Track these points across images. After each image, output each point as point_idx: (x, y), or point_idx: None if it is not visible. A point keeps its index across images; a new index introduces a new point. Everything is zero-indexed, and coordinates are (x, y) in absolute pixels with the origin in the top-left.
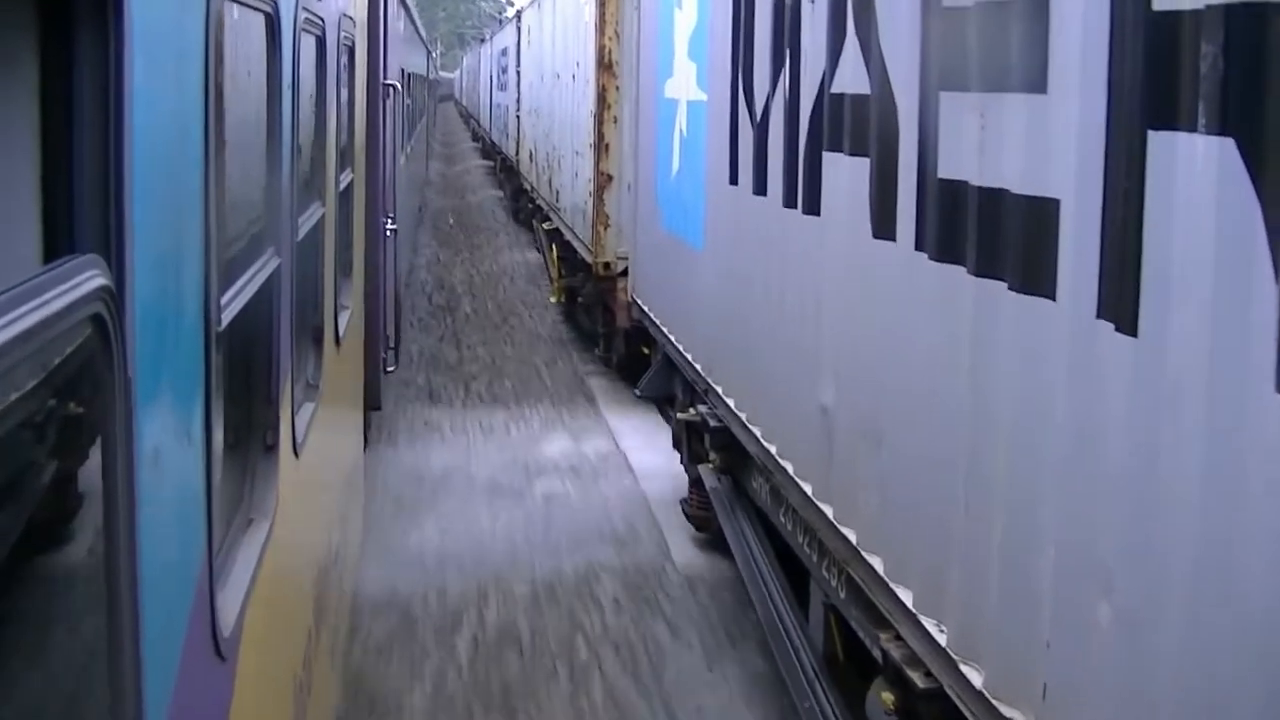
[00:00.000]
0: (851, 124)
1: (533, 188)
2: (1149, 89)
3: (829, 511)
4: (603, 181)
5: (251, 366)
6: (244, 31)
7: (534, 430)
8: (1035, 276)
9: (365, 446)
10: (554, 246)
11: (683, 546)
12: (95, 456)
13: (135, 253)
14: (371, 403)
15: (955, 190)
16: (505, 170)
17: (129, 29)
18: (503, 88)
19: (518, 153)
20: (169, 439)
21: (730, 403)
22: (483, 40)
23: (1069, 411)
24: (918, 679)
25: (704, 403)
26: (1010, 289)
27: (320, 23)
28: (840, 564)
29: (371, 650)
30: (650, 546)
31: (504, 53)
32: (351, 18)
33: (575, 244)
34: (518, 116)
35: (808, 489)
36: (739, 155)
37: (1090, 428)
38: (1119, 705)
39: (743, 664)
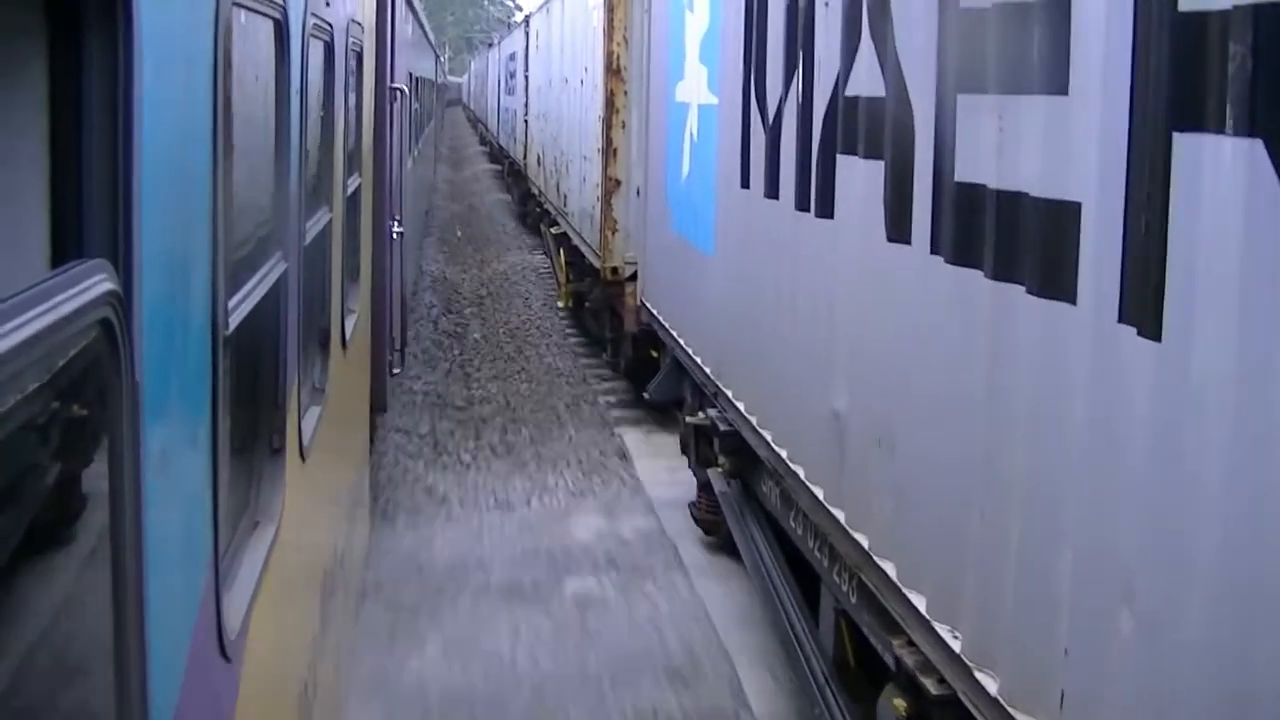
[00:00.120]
0: (866, 127)
1: (540, 192)
2: (1174, 91)
3: (841, 516)
4: (611, 186)
5: (258, 370)
6: (252, 37)
7: (559, 503)
8: (1055, 280)
9: (370, 450)
10: (561, 251)
11: (760, 685)
12: (102, 460)
13: (143, 257)
14: (378, 405)
15: (972, 193)
16: (513, 174)
17: (137, 34)
18: (510, 92)
19: (525, 157)
20: (176, 442)
21: (740, 406)
22: (491, 45)
23: (1089, 416)
24: (931, 686)
25: (713, 406)
26: (1029, 293)
27: (329, 28)
28: (852, 569)
29: None
30: (717, 684)
31: (512, 58)
32: (359, 23)
33: (583, 249)
34: (525, 121)
35: (819, 493)
36: (750, 158)
37: (1111, 432)
38: (1140, 714)
39: None
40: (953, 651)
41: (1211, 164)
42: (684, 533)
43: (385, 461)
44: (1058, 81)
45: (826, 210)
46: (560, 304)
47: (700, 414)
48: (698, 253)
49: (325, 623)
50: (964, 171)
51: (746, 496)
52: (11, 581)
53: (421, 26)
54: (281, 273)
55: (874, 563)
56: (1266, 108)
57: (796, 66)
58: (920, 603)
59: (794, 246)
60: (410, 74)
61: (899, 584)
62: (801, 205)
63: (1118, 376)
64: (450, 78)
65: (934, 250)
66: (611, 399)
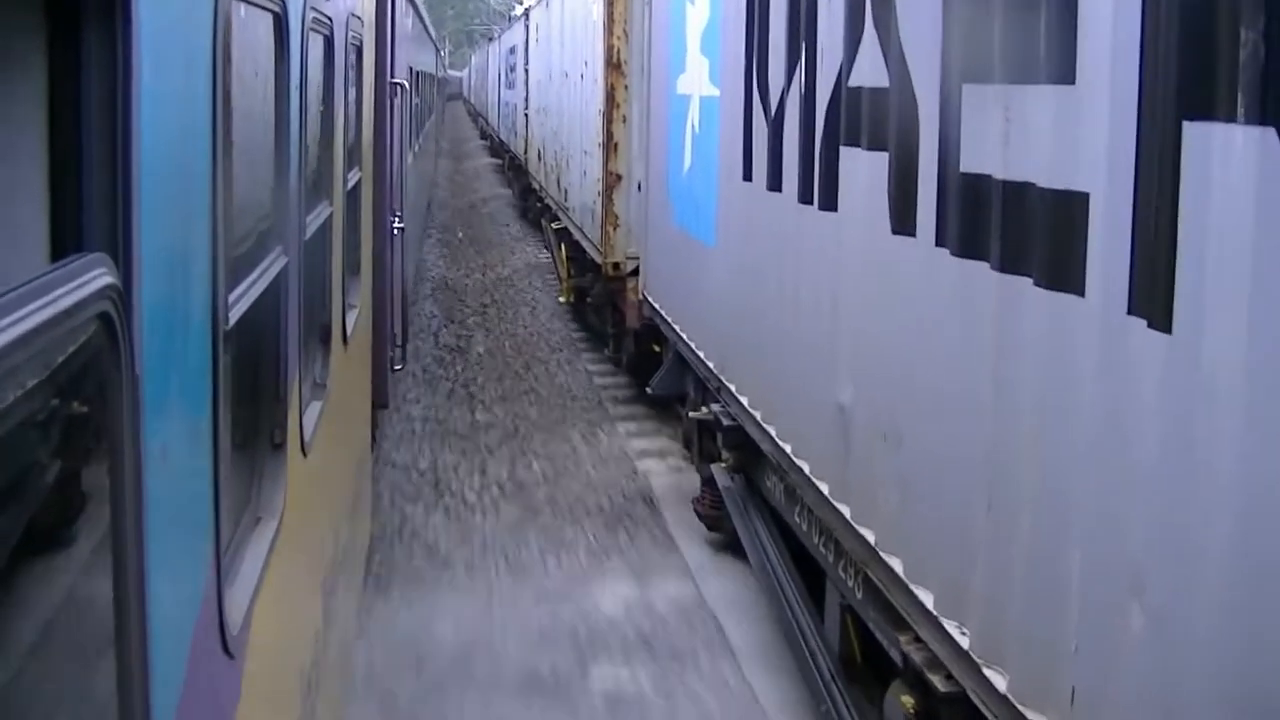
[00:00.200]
0: (870, 118)
1: (541, 186)
2: (1184, 78)
3: (846, 511)
4: (611, 181)
5: (259, 365)
6: (252, 31)
7: (580, 564)
8: (1063, 272)
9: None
10: (563, 246)
11: None
12: (103, 455)
13: (143, 251)
14: (379, 401)
15: (978, 184)
16: (514, 169)
17: (137, 28)
18: (511, 86)
19: (526, 152)
20: (176, 437)
21: (744, 401)
22: (491, 39)
23: (1098, 409)
24: (939, 682)
25: (716, 401)
26: (1036, 285)
27: (328, 22)
28: (858, 565)
29: None
30: None
31: (512, 51)
32: (359, 17)
33: (584, 244)
34: (526, 115)
35: (824, 488)
36: (753, 151)
37: (1121, 425)
38: (1151, 711)
39: None
40: (961, 648)
41: (1222, 153)
42: (729, 603)
43: (381, 505)
44: (1065, 71)
45: (830, 203)
46: (561, 299)
47: (703, 409)
48: (700, 246)
49: (328, 618)
50: (970, 162)
51: (750, 492)
52: (12, 577)
53: (422, 20)
54: (282, 267)
55: (880, 558)
56: (1279, 95)
57: (799, 57)
58: (927, 599)
59: (797, 239)
60: (411, 68)
61: (906, 579)
62: (804, 198)
63: (1127, 369)
64: (451, 72)
65: (939, 242)
66: (632, 426)
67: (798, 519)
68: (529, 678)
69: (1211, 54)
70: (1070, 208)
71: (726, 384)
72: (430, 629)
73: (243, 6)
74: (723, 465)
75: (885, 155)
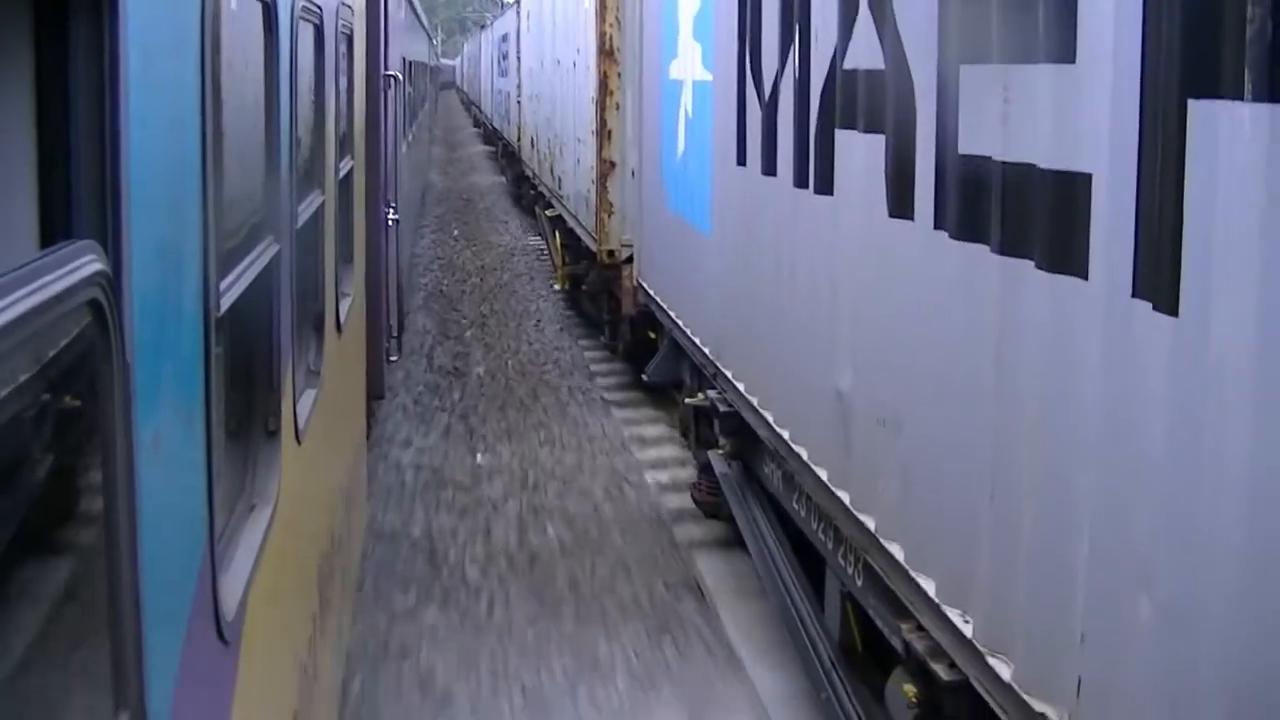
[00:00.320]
0: (866, 101)
1: (534, 174)
2: (1188, 56)
3: (846, 498)
4: (606, 169)
5: (252, 353)
6: (241, 19)
7: (617, 698)
8: (1065, 254)
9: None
10: (557, 233)
11: None
12: (95, 443)
13: (133, 238)
14: (374, 392)
15: (977, 166)
16: (507, 156)
17: (125, 16)
18: (504, 74)
19: (519, 139)
20: (169, 425)
21: (740, 387)
22: (483, 27)
23: (1103, 394)
24: (942, 671)
25: (713, 387)
26: (1038, 267)
27: (318, 10)
28: (858, 552)
29: None
30: None
31: (504, 39)
32: (350, 5)
33: (579, 231)
34: (519, 103)
35: (823, 475)
36: (747, 135)
37: (1127, 411)
38: (1159, 701)
39: None
40: (964, 636)
41: (1229, 132)
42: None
43: (364, 599)
44: (1065, 49)
45: (826, 186)
46: (556, 286)
47: (700, 395)
48: (694, 231)
49: (324, 605)
50: (968, 144)
51: (748, 478)
52: (5, 567)
53: (414, 8)
54: (274, 255)
55: (881, 545)
56: None
57: (792, 40)
58: (929, 586)
59: (793, 224)
60: (403, 58)
61: (907, 567)
62: (800, 182)
63: (1132, 353)
64: (444, 60)
65: (938, 225)
66: (676, 503)
67: (796, 505)
68: None
69: (1217, 31)
70: (1072, 189)
71: (723, 370)
72: None
73: None
74: (720, 452)
75: (882, 138)
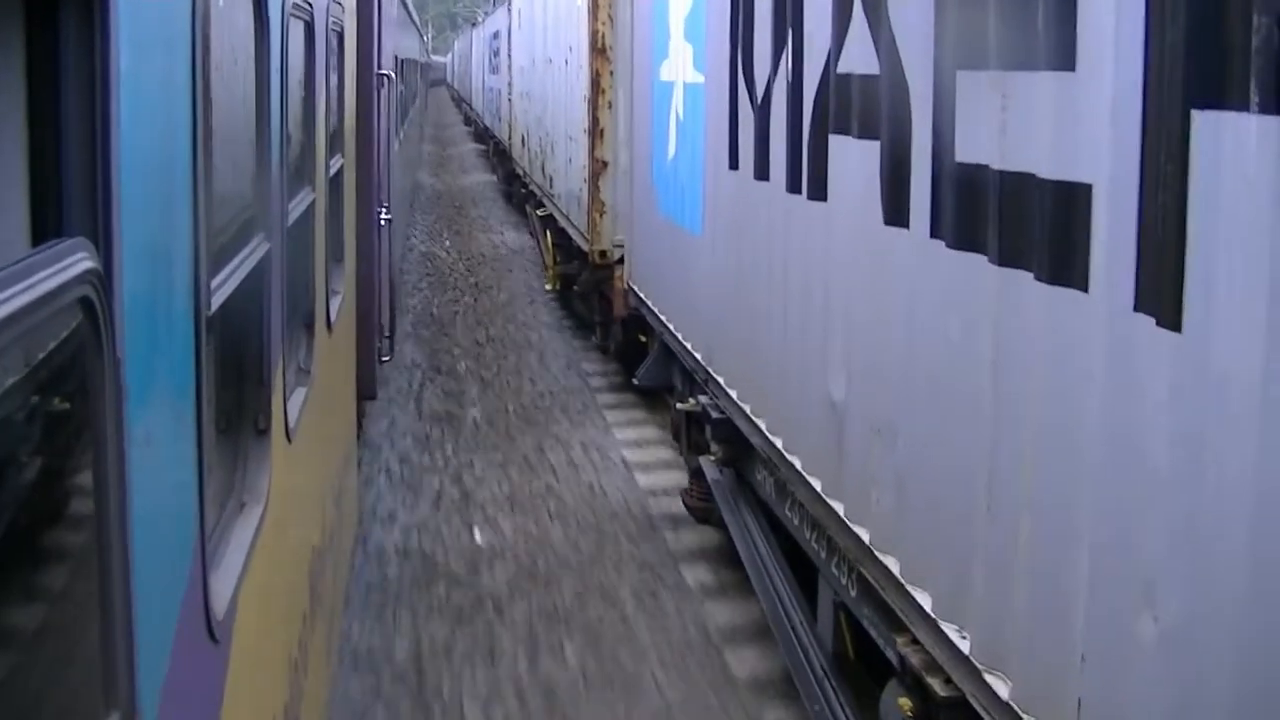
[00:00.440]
0: (860, 106)
1: (525, 172)
2: (1192, 65)
3: (840, 509)
4: (598, 168)
5: (243, 351)
6: (231, 16)
7: None
8: (1065, 266)
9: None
10: (548, 233)
11: None
12: (85, 440)
13: (123, 236)
14: (366, 392)
15: (974, 175)
16: (498, 154)
17: (116, 12)
18: (495, 72)
19: (510, 137)
20: (159, 422)
21: (733, 394)
22: (474, 24)
23: (1104, 409)
24: (938, 687)
25: (704, 393)
26: (1037, 279)
27: (308, 7)
28: (852, 562)
29: None
30: None
31: (495, 36)
32: (340, 3)
33: (570, 231)
34: (510, 101)
35: (817, 485)
36: (739, 139)
37: (1129, 427)
38: None
39: None
40: (960, 652)
41: (1234, 144)
42: None
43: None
44: (1064, 57)
45: (819, 192)
46: (548, 287)
47: (691, 400)
48: (686, 235)
49: (315, 602)
50: (965, 152)
51: (740, 485)
52: None
53: (405, 4)
54: (264, 253)
55: (875, 557)
56: None
57: (785, 43)
58: (925, 600)
59: (785, 230)
60: (395, 56)
61: (902, 580)
62: (793, 187)
63: (1134, 368)
64: (434, 57)
65: (934, 234)
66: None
67: (789, 513)
68: None
69: (1222, 40)
70: (1072, 199)
71: (715, 376)
72: None
73: None
74: (712, 458)
75: (876, 144)
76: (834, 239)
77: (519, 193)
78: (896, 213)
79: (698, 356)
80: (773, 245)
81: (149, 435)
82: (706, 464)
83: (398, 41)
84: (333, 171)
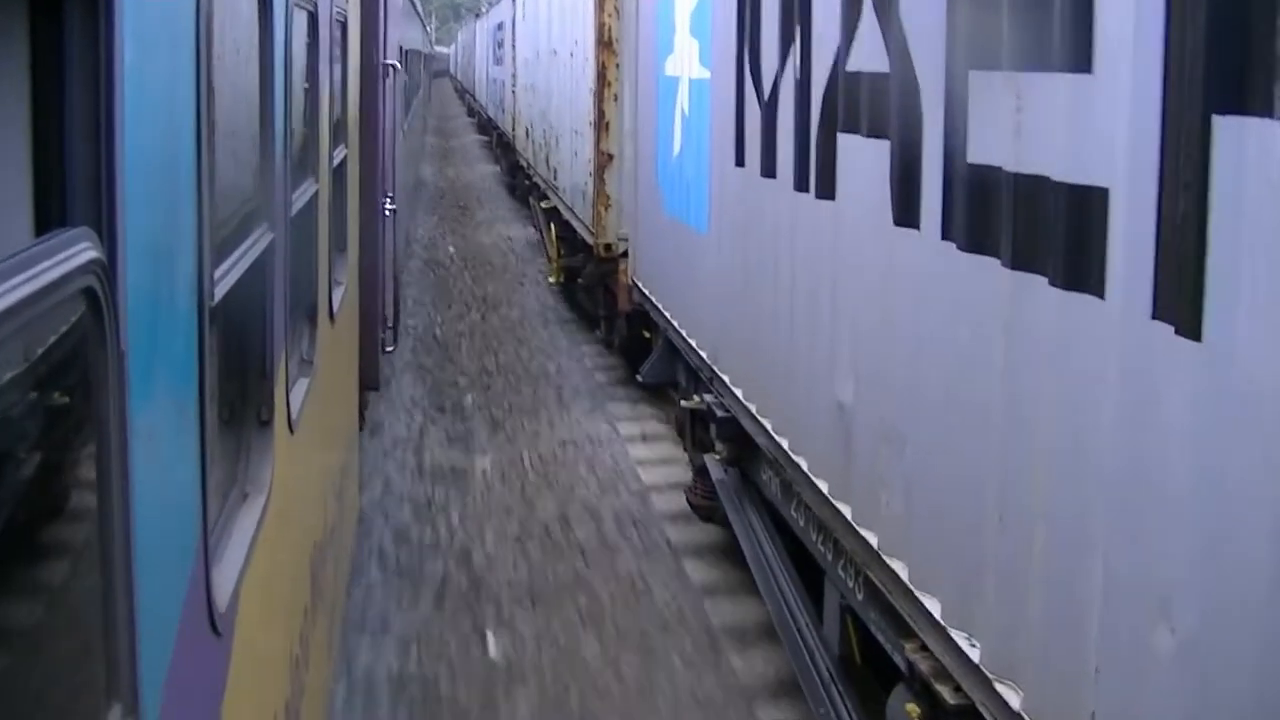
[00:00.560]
0: (869, 104)
1: (529, 164)
2: (1213, 69)
3: (847, 511)
4: (603, 161)
5: (246, 341)
6: (234, 5)
7: None
8: (1080, 272)
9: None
10: (552, 226)
11: None
12: (88, 431)
13: (127, 227)
14: (369, 383)
15: (987, 176)
16: (501, 146)
17: (119, 2)
18: (499, 63)
19: (513, 129)
20: (162, 413)
21: (738, 393)
22: (478, 14)
23: (1121, 418)
24: (947, 694)
25: (709, 391)
26: (1051, 284)
27: None
28: (859, 566)
29: None
30: None
31: (500, 27)
32: None
33: (575, 224)
34: (514, 93)
35: (823, 487)
36: (745, 136)
37: (1146, 437)
38: None
39: None
40: (970, 660)
41: (1258, 150)
42: None
43: None
44: (1081, 58)
45: (827, 191)
46: (551, 280)
47: (695, 398)
48: (691, 232)
49: (317, 594)
50: (978, 153)
51: (745, 484)
52: None
53: None
54: (268, 243)
55: (883, 561)
56: None
57: (793, 40)
58: (934, 607)
59: (792, 228)
60: (400, 46)
61: (910, 585)
62: (800, 185)
63: (1152, 378)
64: (438, 48)
65: (945, 236)
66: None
67: (795, 514)
68: None
69: (1244, 43)
70: (1088, 203)
71: (720, 374)
72: None
73: None
74: (716, 457)
75: (886, 143)
76: (842, 238)
77: (522, 185)
78: (907, 213)
79: (703, 355)
80: (779, 243)
81: (151, 426)
82: (711, 463)
83: (402, 32)
84: (336, 162)
